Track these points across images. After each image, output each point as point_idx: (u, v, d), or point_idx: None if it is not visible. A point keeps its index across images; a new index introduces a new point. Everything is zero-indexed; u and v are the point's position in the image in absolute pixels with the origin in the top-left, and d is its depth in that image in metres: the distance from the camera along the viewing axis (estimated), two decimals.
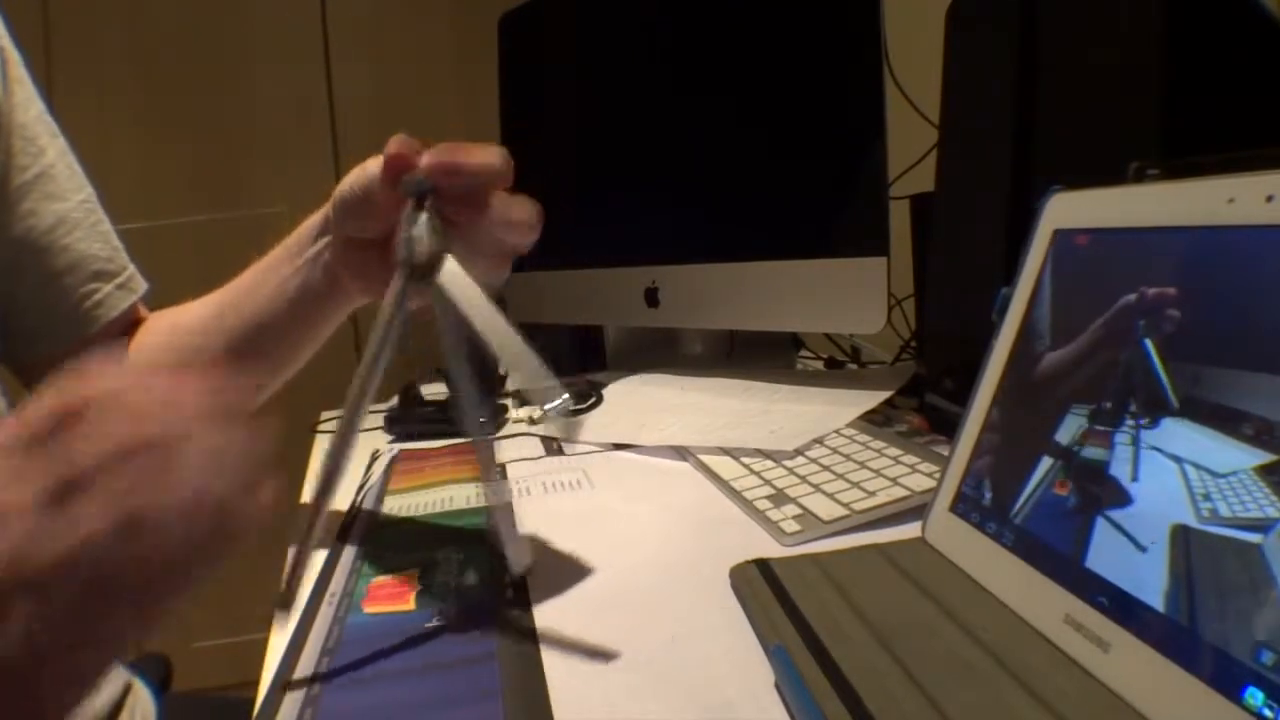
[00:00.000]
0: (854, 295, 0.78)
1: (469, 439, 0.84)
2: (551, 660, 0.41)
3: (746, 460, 0.66)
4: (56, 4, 1.63)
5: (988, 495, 0.44)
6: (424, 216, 0.41)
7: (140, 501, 0.27)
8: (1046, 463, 0.41)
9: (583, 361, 1.12)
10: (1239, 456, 0.31)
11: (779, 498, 0.58)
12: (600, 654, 0.42)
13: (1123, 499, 0.36)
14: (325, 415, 0.98)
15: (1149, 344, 0.37)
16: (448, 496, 0.67)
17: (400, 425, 0.87)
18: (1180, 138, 0.50)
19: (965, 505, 0.46)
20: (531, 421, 0.85)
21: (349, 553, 0.57)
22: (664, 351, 1.08)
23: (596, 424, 0.83)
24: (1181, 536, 0.32)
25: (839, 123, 0.80)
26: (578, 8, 1.06)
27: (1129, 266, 0.40)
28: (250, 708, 0.40)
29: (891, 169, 0.78)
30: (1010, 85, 0.63)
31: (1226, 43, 0.54)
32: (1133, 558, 0.34)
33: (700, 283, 0.92)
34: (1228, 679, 0.28)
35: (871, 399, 0.74)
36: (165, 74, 1.71)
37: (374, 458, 0.79)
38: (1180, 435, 0.34)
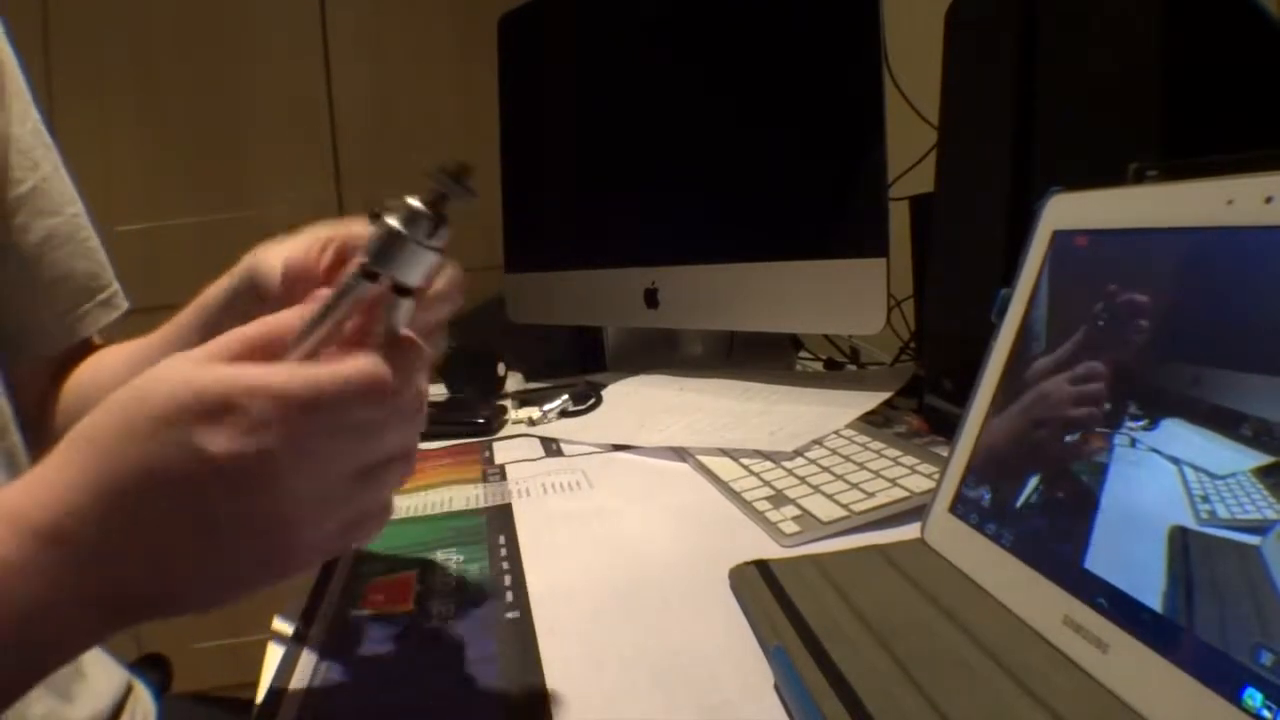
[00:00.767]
0: (853, 296, 0.78)
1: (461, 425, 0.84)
2: (551, 660, 0.41)
3: (746, 461, 0.66)
4: (56, 4, 1.63)
5: (987, 496, 0.44)
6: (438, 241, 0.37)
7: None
8: (1046, 464, 0.41)
9: (582, 362, 1.12)
10: (1237, 458, 0.31)
11: (778, 499, 0.58)
12: (600, 654, 0.42)
13: (1121, 500, 0.36)
14: None
15: (1149, 345, 0.37)
16: (448, 497, 0.67)
17: None
18: (1180, 138, 0.50)
19: (964, 506, 0.46)
20: (531, 422, 0.85)
21: (348, 552, 0.57)
22: (663, 352, 1.08)
23: (596, 425, 0.83)
24: (1180, 538, 0.32)
25: (839, 123, 0.80)
26: (578, 8, 1.06)
27: (1128, 267, 0.40)
28: (250, 708, 0.40)
29: (891, 170, 0.78)
30: (1010, 86, 0.63)
31: (1227, 44, 0.54)
32: (1131, 559, 0.34)
33: (700, 284, 0.92)
34: (1226, 680, 0.28)
35: (871, 400, 0.74)
36: (165, 74, 1.70)
37: None
38: (1179, 436, 0.34)
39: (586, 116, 1.06)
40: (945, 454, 0.49)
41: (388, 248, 0.34)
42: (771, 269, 0.85)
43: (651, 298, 0.97)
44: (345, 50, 1.78)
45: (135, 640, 1.19)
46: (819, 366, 1.03)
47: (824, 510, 0.55)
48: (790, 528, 0.54)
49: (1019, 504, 0.42)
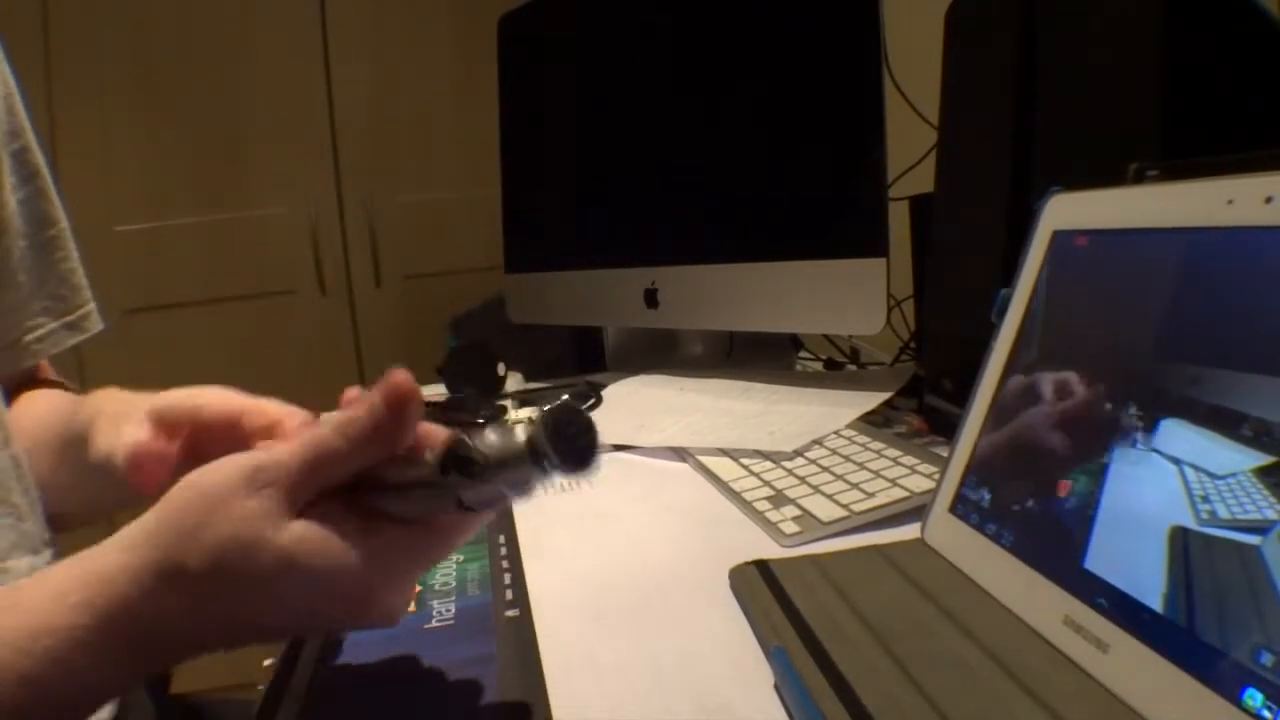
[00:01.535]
0: (853, 296, 0.78)
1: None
2: (551, 660, 0.41)
3: (746, 461, 0.66)
4: (56, 5, 1.63)
5: (987, 496, 0.44)
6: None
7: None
8: (1046, 464, 0.41)
9: (582, 362, 1.12)
10: (1238, 458, 0.31)
11: (778, 499, 0.58)
12: (600, 654, 0.42)
13: (1121, 501, 0.36)
14: None
15: (1149, 345, 0.37)
16: None
17: None
18: (1180, 138, 0.50)
19: (965, 506, 0.46)
20: (531, 423, 0.85)
21: None
22: (663, 352, 1.08)
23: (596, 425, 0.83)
24: (1180, 538, 0.32)
25: (839, 124, 0.80)
26: (578, 8, 1.06)
27: (1128, 267, 0.40)
28: (250, 709, 0.40)
29: (891, 170, 0.78)
30: (1010, 86, 0.63)
31: (1226, 43, 0.54)
32: (1132, 559, 0.34)
33: (700, 284, 0.92)
34: (1227, 680, 0.28)
35: (871, 400, 0.74)
36: (165, 74, 1.71)
37: None
38: (1179, 436, 0.34)
39: (586, 116, 1.06)
40: (945, 454, 0.49)
41: (498, 470, 0.35)
42: (771, 269, 0.85)
43: (651, 298, 0.97)
44: (345, 50, 1.78)
45: None
46: (819, 366, 1.03)
47: (824, 510, 0.55)
48: (790, 528, 0.54)
49: (1019, 504, 0.42)
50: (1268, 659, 0.27)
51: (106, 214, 1.64)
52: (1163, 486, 0.34)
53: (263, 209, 1.75)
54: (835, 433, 0.68)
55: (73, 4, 1.64)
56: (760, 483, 0.62)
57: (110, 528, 0.35)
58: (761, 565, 0.47)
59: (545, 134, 1.12)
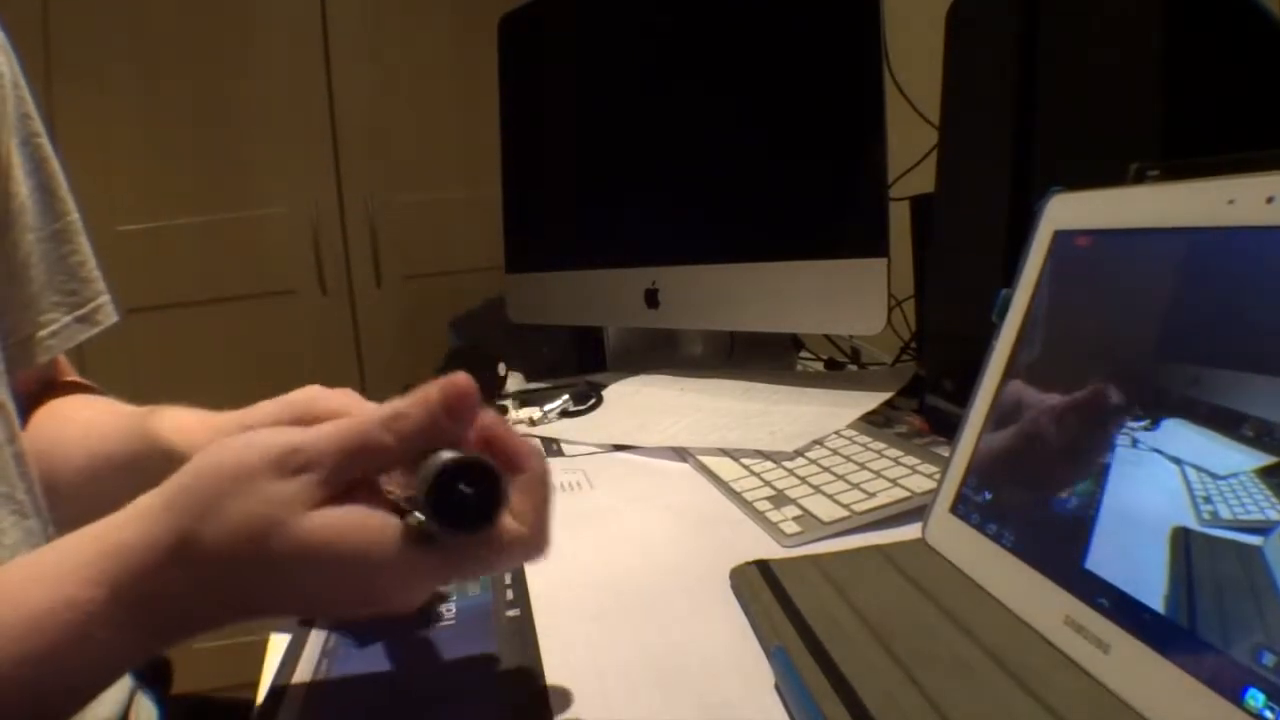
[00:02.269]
0: (854, 296, 0.78)
1: None
2: (551, 661, 0.41)
3: (746, 461, 0.66)
4: (56, 4, 1.63)
5: (988, 496, 0.44)
6: None
7: None
8: (1047, 464, 0.41)
9: (583, 362, 1.12)
10: (1239, 458, 0.31)
11: (779, 499, 0.58)
12: (600, 653, 0.42)
13: (1123, 501, 0.36)
14: None
15: (1150, 345, 0.37)
16: None
17: None
18: (1180, 138, 0.50)
19: (965, 506, 0.46)
20: (532, 422, 0.85)
21: None
22: (664, 352, 1.08)
23: (597, 425, 0.83)
24: (1182, 538, 0.32)
25: (839, 123, 0.80)
26: (578, 8, 1.06)
27: (1129, 267, 0.40)
28: (250, 709, 0.40)
29: (891, 170, 0.78)
30: (1010, 86, 0.63)
31: (1226, 43, 0.54)
32: (1133, 559, 0.34)
33: (700, 284, 0.92)
34: (1228, 681, 0.28)
35: (871, 400, 0.74)
36: (166, 74, 1.70)
37: None
38: (1181, 437, 0.34)
39: (586, 117, 1.06)
40: (946, 454, 0.49)
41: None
42: (772, 269, 0.85)
43: (652, 298, 0.97)
44: (345, 50, 1.78)
45: None
46: (819, 366, 1.03)
47: (825, 510, 0.55)
48: (791, 528, 0.54)
49: (1020, 504, 0.42)
50: (1269, 659, 0.27)
51: (109, 214, 1.64)
52: (1164, 487, 0.34)
53: (263, 209, 1.75)
54: (836, 433, 0.68)
55: (73, 3, 1.64)
56: (761, 483, 0.61)
57: None
58: (762, 565, 0.47)
59: (545, 134, 1.12)
